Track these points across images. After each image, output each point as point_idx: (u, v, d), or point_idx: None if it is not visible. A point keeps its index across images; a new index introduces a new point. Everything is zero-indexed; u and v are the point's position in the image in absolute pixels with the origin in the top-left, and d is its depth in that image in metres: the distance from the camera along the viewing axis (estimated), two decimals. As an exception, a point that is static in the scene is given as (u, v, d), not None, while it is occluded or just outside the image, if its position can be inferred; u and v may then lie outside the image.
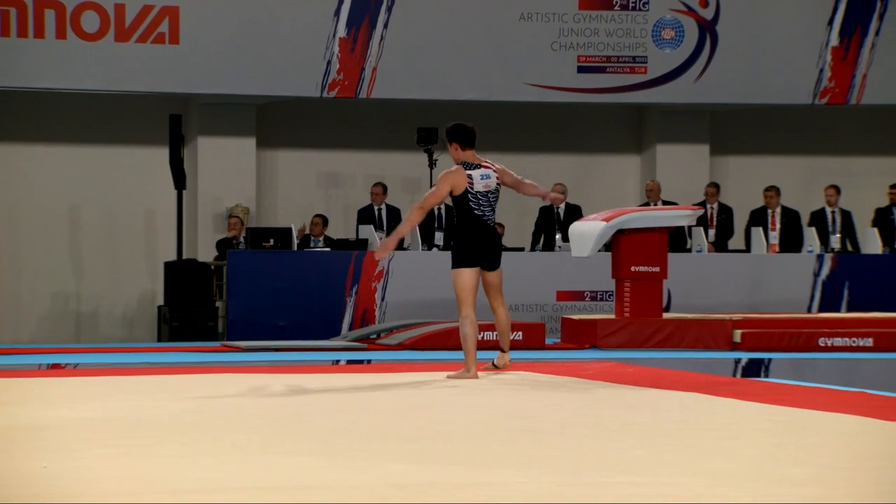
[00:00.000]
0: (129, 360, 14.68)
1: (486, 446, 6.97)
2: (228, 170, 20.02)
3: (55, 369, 13.11)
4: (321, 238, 18.08)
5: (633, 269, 15.28)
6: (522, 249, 18.60)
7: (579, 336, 15.36)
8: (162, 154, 18.76)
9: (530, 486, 5.60)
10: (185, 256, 18.52)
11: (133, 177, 20.10)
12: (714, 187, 19.29)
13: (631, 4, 19.93)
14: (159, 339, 18.42)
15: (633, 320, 15.19)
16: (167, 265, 18.24)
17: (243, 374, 11.88)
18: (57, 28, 18.89)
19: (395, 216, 18.73)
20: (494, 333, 13.91)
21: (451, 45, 19.60)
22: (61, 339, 19.46)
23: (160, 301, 18.74)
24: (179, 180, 18.33)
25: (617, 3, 19.86)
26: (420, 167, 18.98)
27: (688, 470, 5.96)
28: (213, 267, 18.08)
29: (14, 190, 19.98)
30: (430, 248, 18.03)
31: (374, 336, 16.33)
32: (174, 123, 18.46)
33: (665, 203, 18.41)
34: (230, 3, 19.33)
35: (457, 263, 10.96)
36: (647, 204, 18.66)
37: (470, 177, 10.87)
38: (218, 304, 18.04)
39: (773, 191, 18.65)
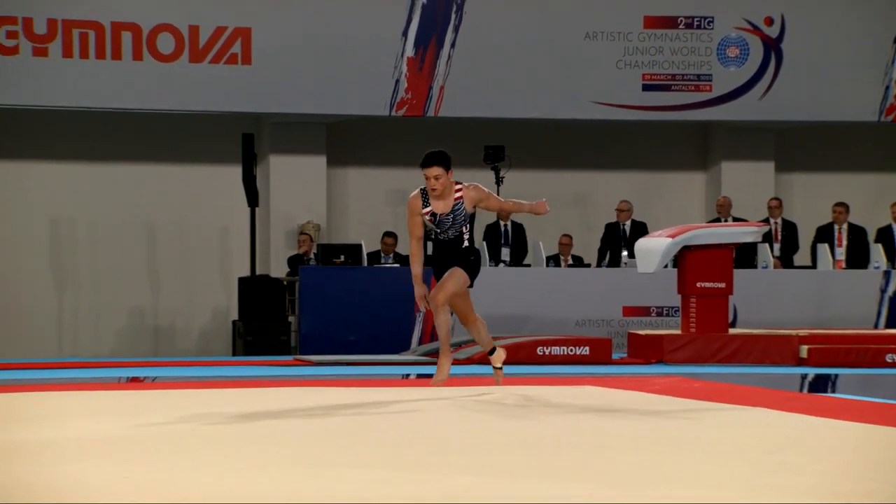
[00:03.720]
0: (205, 373, 14.69)
1: (552, 460, 6.87)
2: (299, 187, 20.03)
3: (134, 382, 13.14)
4: (391, 255, 18.09)
5: (698, 284, 15.18)
6: (589, 265, 18.57)
7: (646, 351, 15.24)
8: (235, 172, 18.83)
9: (598, 500, 5.48)
10: (258, 272, 18.56)
11: (207, 194, 20.18)
12: (777, 201, 19.12)
13: (695, 23, 19.85)
14: (234, 353, 18.47)
15: (699, 336, 15.07)
16: (241, 281, 18.29)
17: (315, 387, 11.77)
18: (133, 50, 19.02)
19: None
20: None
21: (517, 63, 19.57)
22: (139, 352, 19.61)
23: (234, 316, 18.78)
24: (252, 198, 18.40)
25: (682, 21, 19.78)
26: (486, 184, 18.85)
27: (756, 485, 5.84)
28: (285, 283, 18.12)
29: (92, 207, 20.05)
30: (497, 265, 18.04)
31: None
32: (247, 142, 18.54)
33: (735, 219, 18.23)
34: (301, 24, 19.32)
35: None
36: (717, 219, 18.53)
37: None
38: (290, 318, 18.02)
39: (841, 207, 18.50)
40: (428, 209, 10.12)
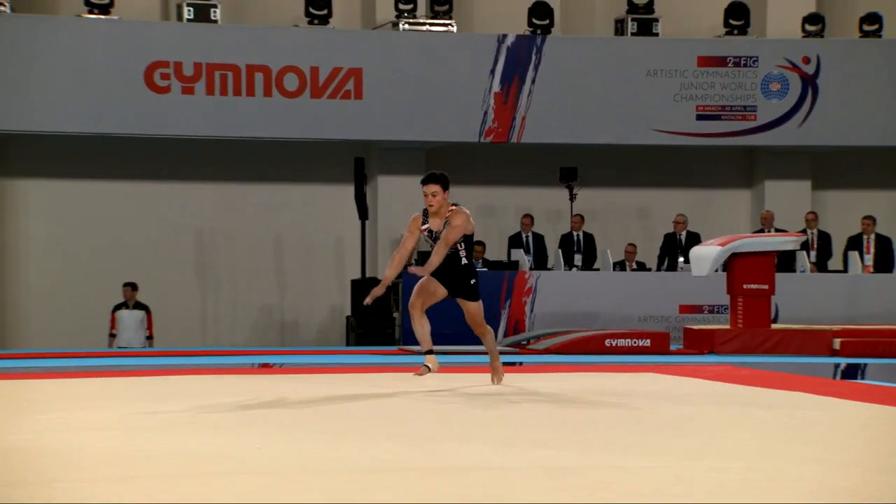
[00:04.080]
0: (324, 360, 14.67)
1: (623, 437, 6.86)
2: (402, 203, 19.74)
3: (265, 368, 13.25)
4: (480, 260, 18.05)
5: (745, 286, 15.15)
6: (650, 270, 18.46)
7: (699, 343, 15.19)
8: (348, 191, 18.79)
9: (662, 470, 5.50)
10: (367, 275, 18.44)
11: (325, 210, 20.10)
12: (813, 214, 18.91)
13: (742, 62, 19.68)
14: (347, 344, 18.46)
15: (745, 330, 15.04)
16: (353, 282, 18.25)
17: (409, 373, 11.67)
18: (264, 87, 19.05)
19: (540, 242, 18.75)
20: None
21: (588, 97, 19.41)
22: (269, 343, 19.64)
23: (348, 312, 18.73)
24: (363, 212, 18.35)
25: (730, 60, 19.62)
26: (562, 200, 19.01)
27: (798, 458, 5.87)
28: (391, 284, 18.12)
29: (230, 221, 20.09)
30: (570, 269, 17.97)
31: (525, 342, 16.26)
32: (358, 165, 18.49)
33: (776, 230, 18.05)
34: (403, 64, 19.25)
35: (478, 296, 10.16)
36: (761, 230, 18.34)
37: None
38: (395, 314, 17.86)
39: (869, 219, 18.31)
40: (426, 226, 9.73)
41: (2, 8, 18.55)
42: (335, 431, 7.13)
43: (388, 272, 9.99)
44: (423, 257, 11.38)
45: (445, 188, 9.60)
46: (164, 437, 6.91)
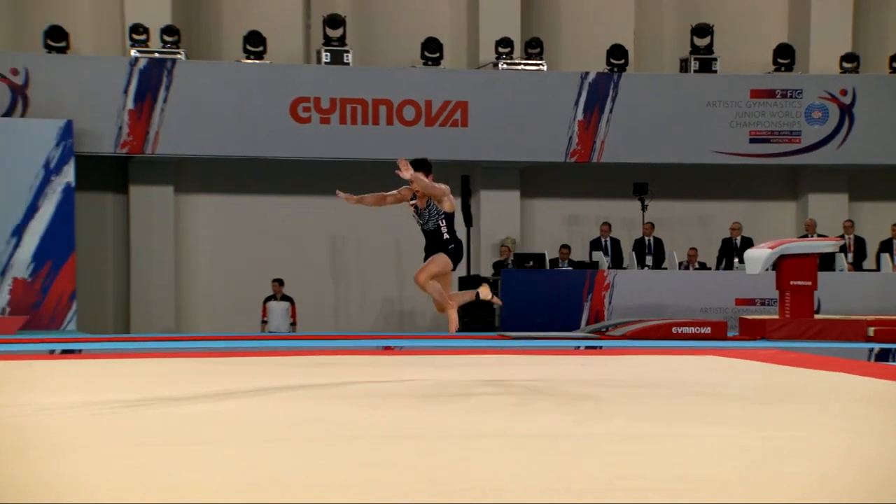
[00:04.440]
0: (435, 344, 14.75)
1: (691, 408, 6.86)
2: (501, 213, 20.07)
3: (387, 350, 13.24)
4: (566, 261, 18.20)
5: (791, 283, 15.09)
6: (710, 269, 18.44)
7: (752, 331, 15.16)
8: (455, 202, 18.78)
9: (730, 438, 5.53)
10: (472, 273, 18.53)
11: None
12: (850, 222, 18.92)
13: (789, 94, 19.61)
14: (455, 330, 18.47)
15: (792, 320, 14.96)
16: (460, 279, 18.17)
17: (512, 355, 11.85)
18: (387, 117, 19.15)
19: (616, 246, 18.72)
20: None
21: (657, 123, 19.41)
22: (390, 329, 19.65)
23: None
24: (468, 220, 18.47)
25: (778, 93, 19.57)
26: (635, 211, 18.99)
27: (836, 428, 5.93)
28: (491, 280, 18.11)
29: (359, 228, 19.90)
30: (642, 268, 18.04)
31: (605, 329, 16.23)
32: (464, 181, 18.72)
33: (819, 236, 18.02)
34: (503, 97, 19.31)
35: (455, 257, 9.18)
36: (805, 236, 18.24)
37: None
38: (495, 306, 17.70)
39: (899, 227, 18.28)
40: (413, 202, 9.14)
41: (179, 56, 18.75)
42: (445, 403, 7.09)
43: (366, 198, 9.57)
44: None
45: (427, 172, 9.05)
46: (312, 404, 6.96)
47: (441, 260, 8.90)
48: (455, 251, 9.04)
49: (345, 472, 4.57)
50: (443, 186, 9.00)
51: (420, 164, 9.01)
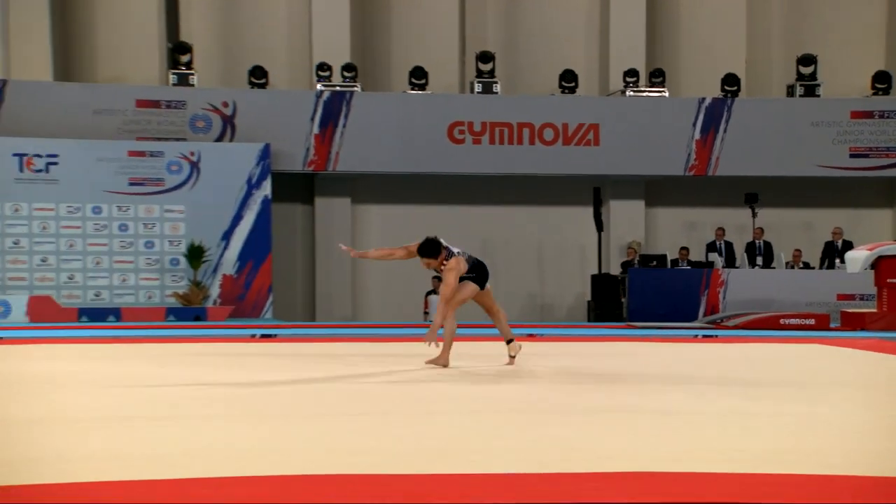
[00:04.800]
0: (572, 332, 14.64)
1: (801, 390, 6.72)
2: (628, 220, 19.81)
3: (530, 337, 12.90)
4: (685, 261, 17.99)
5: (888, 280, 14.66)
6: (814, 269, 17.98)
7: (852, 322, 14.81)
8: (588, 211, 18.63)
9: (841, 416, 5.47)
10: (603, 271, 18.33)
11: (572, 224, 19.84)
12: (943, 228, 18.27)
13: (885, 115, 19.04)
14: (588, 320, 18.28)
15: (888, 313, 14.55)
16: (593, 277, 18.18)
17: (635, 342, 11.74)
18: (529, 138, 18.98)
19: (729, 248, 18.31)
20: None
21: (766, 141, 18.99)
22: (533, 319, 19.30)
23: (588, 297, 18.62)
24: (599, 226, 18.26)
25: (876, 114, 19.01)
26: (746, 217, 18.50)
27: None
28: (619, 278, 17.90)
29: (505, 233, 19.76)
30: (753, 267, 17.70)
31: (720, 320, 16.00)
32: (596, 193, 18.41)
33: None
34: (630, 120, 19.06)
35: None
36: (902, 239, 17.82)
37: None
38: (622, 299, 17.70)
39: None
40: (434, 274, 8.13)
41: (356, 88, 18.81)
42: (581, 382, 6.98)
43: (370, 251, 8.88)
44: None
45: (435, 256, 8.15)
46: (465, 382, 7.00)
47: (468, 288, 8.21)
48: (475, 278, 8.29)
49: (507, 439, 4.61)
50: (454, 268, 8.10)
51: (427, 253, 8.18)
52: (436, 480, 3.77)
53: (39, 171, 17.16)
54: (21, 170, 17.08)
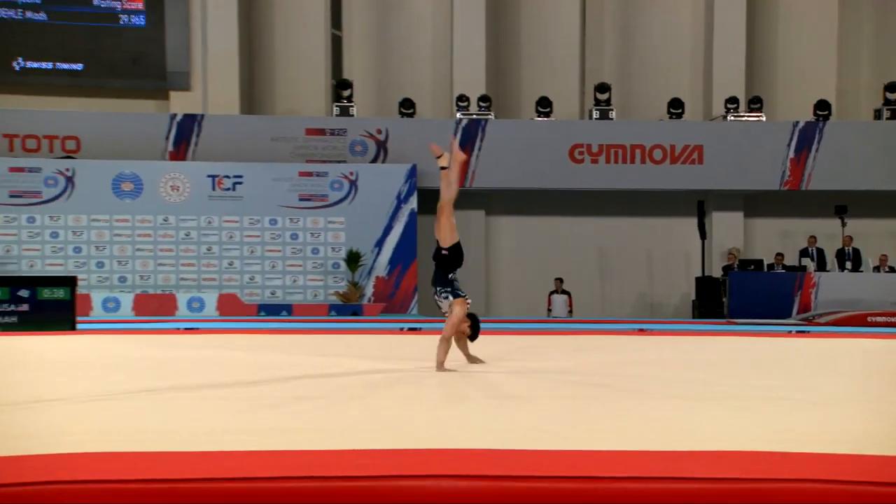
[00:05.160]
0: (677, 328, 14.05)
1: (886, 383, 6.43)
2: (728, 229, 19.41)
3: (641, 332, 12.69)
4: (780, 265, 17.56)
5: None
6: (899, 272, 17.44)
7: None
8: (693, 221, 18.38)
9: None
10: (706, 274, 18.06)
11: (678, 233, 19.54)
12: None
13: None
14: (692, 317, 18.00)
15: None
16: (697, 279, 17.95)
17: (732, 337, 11.28)
18: (641, 158, 18.79)
19: (821, 254, 17.74)
20: None
21: (855, 159, 18.51)
22: (643, 316, 19.28)
23: (693, 297, 18.41)
24: (703, 234, 18.00)
25: None
26: (836, 226, 17.96)
27: None
28: (721, 280, 17.66)
29: (619, 240, 19.55)
30: (842, 271, 17.14)
31: (812, 318, 15.55)
32: (700, 205, 18.22)
33: None
34: (730, 141, 18.71)
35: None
36: None
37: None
38: (724, 299, 17.34)
39: None
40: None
41: (490, 116, 18.79)
42: (681, 371, 6.73)
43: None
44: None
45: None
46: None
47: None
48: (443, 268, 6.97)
49: (623, 420, 4.52)
50: (459, 315, 6.82)
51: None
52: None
53: (227, 189, 17.51)
54: (213, 189, 17.46)
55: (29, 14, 18.57)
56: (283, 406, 4.85)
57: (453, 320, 6.75)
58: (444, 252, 6.94)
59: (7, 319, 11.33)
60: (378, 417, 4.56)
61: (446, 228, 6.94)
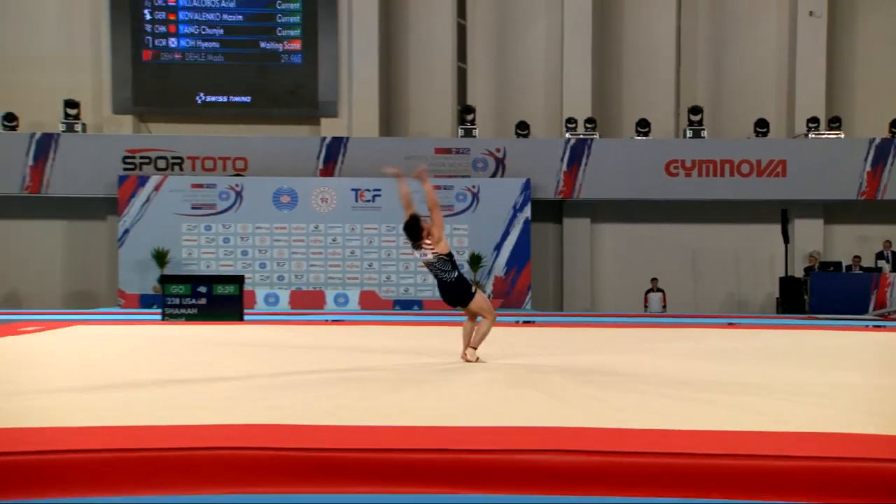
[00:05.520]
0: (765, 322, 13.40)
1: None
2: (810, 234, 19.25)
3: (731, 326, 11.68)
4: (857, 266, 17.46)
5: None
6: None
7: None
8: (777, 227, 18.15)
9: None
10: (789, 275, 17.92)
11: (764, 238, 19.19)
12: None
13: None
14: (776, 312, 17.71)
15: None
16: (781, 279, 17.85)
17: (820, 330, 10.76)
18: (730, 172, 18.55)
19: (893, 258, 17.75)
20: None
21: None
22: (731, 311, 18.73)
23: (777, 295, 18.11)
24: (786, 239, 17.96)
25: None
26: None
27: None
28: (803, 280, 17.34)
29: (712, 243, 19.30)
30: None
31: (888, 313, 15.73)
32: (783, 213, 18.18)
33: None
34: (811, 156, 18.55)
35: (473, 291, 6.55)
36: None
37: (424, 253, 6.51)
38: (805, 297, 16.97)
39: None
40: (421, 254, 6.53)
41: (595, 136, 18.58)
42: (762, 363, 6.39)
43: (404, 187, 6.72)
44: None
45: (417, 238, 6.44)
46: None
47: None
48: (469, 289, 6.56)
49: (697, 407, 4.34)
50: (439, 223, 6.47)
51: (410, 230, 6.52)
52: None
53: (368, 201, 17.81)
54: (356, 200, 17.83)
55: (209, 57, 19.37)
56: (422, 384, 4.83)
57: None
58: (452, 279, 6.38)
59: (189, 311, 11.69)
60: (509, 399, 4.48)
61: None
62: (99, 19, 19.49)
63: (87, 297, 18.86)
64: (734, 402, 4.46)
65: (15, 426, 3.33)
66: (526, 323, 12.12)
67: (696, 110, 19.22)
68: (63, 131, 18.53)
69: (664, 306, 18.12)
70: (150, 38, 19.36)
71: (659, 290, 18.28)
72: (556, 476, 2.97)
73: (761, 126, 19.26)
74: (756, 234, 19.35)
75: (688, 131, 19.15)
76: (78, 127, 18.58)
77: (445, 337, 8.24)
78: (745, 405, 4.37)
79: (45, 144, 18.12)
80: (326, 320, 12.25)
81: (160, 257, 17.44)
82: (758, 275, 19.42)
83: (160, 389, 4.63)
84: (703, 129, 19.13)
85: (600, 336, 8.97)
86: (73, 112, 18.58)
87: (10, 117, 18.62)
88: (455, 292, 6.42)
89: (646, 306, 18.32)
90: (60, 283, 19.02)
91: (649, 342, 8.19)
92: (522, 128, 19.19)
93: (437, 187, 18.20)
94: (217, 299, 11.56)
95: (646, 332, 9.62)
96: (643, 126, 19.14)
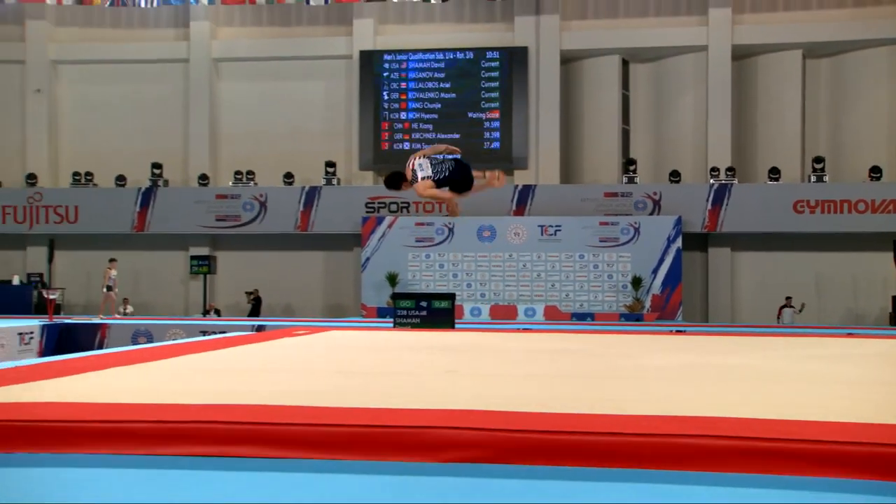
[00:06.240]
0: (877, 332, 12.99)
1: None
2: None
3: (849, 336, 10.38)
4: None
5: None
6: None
7: None
8: (890, 256, 19.62)
9: None
10: None
11: (880, 264, 19.99)
12: None
13: None
14: (890, 325, 18.77)
15: None
16: (893, 297, 18.64)
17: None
18: (847, 208, 19.89)
19: None
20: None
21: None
22: (849, 324, 19.26)
23: (890, 310, 19.21)
24: None
25: None
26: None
27: None
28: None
29: (829, 271, 20.47)
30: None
31: None
32: (895, 243, 19.39)
33: None
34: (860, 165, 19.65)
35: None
36: None
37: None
38: None
39: None
40: (422, 177, 6.34)
41: (734, 181, 19.92)
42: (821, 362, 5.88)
43: (445, 194, 6.46)
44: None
45: (397, 188, 6.48)
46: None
47: (446, 194, 6.36)
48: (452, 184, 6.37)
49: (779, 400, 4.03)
50: (431, 194, 6.37)
51: (390, 183, 6.51)
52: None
53: (551, 234, 19.98)
54: (541, 235, 20.09)
55: (422, 125, 22.39)
56: (580, 380, 4.70)
57: (427, 195, 6.33)
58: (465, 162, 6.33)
59: (414, 321, 12.67)
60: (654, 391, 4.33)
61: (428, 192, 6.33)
62: (351, 101, 22.64)
63: (339, 309, 21.64)
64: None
65: (313, 405, 3.66)
66: (678, 332, 12.46)
67: (818, 160, 20.64)
68: (324, 184, 21.75)
69: (794, 320, 18.99)
70: (386, 112, 22.44)
71: (790, 306, 19.39)
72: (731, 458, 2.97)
73: (875, 171, 20.54)
74: (871, 260, 20.48)
75: (812, 176, 20.47)
76: (334, 181, 21.89)
77: (615, 342, 8.20)
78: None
79: (311, 194, 21.41)
80: (518, 328, 12.75)
81: (392, 279, 19.85)
82: (872, 294, 20.49)
83: (388, 380, 4.90)
84: (825, 175, 20.45)
85: (740, 342, 8.28)
86: (331, 170, 22.00)
87: (289, 175, 22.19)
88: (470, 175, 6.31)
89: (779, 319, 19.43)
90: (321, 298, 21.89)
91: (782, 349, 7.38)
92: (675, 175, 20.93)
93: (606, 223, 20.10)
94: (435, 311, 12.51)
95: (778, 340, 8.84)
96: (774, 173, 20.59)
